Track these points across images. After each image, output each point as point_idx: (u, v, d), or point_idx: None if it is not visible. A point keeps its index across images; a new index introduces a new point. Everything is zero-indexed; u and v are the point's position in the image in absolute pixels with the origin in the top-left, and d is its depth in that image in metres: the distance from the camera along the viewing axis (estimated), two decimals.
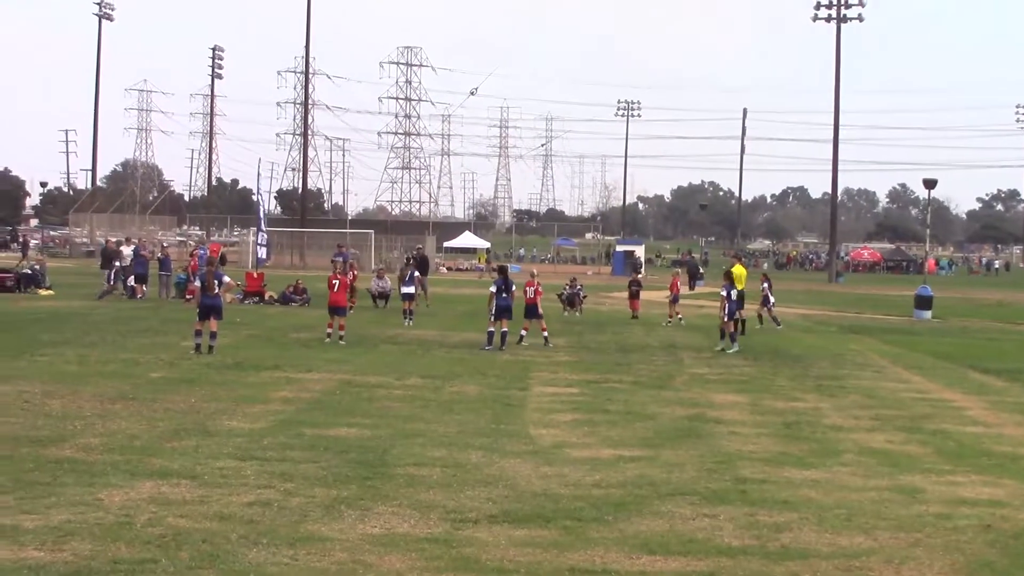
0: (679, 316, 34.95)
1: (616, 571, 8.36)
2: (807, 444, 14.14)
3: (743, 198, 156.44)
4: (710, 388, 19.61)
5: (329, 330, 25.43)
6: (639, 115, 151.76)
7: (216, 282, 22.41)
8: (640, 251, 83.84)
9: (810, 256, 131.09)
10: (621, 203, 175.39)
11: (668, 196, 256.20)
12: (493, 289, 25.36)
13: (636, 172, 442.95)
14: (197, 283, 23.25)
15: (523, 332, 26.50)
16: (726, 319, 27.10)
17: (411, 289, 32.37)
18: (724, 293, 27.39)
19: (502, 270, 27.16)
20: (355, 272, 37.97)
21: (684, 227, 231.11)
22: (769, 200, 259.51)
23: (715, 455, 13.14)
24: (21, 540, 8.70)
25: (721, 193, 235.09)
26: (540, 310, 26.67)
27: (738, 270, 32.18)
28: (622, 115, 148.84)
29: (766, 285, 34.36)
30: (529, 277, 27.92)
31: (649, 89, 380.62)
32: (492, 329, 25.23)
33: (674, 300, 35.67)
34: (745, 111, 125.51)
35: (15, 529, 9.01)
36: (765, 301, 34.11)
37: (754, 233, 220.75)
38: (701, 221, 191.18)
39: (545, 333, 26.45)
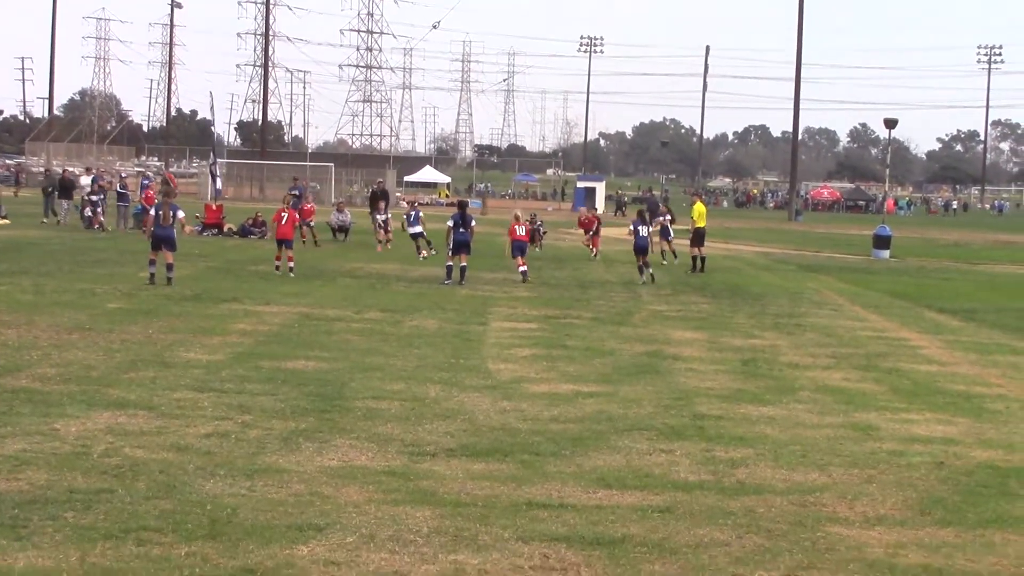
0: (595, 251, 35.73)
1: (573, 505, 8.39)
2: (764, 381, 14.23)
3: (704, 136, 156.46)
4: (668, 325, 19.67)
5: (278, 262, 25.47)
6: (602, 51, 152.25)
7: (171, 213, 22.22)
8: (601, 188, 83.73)
9: (770, 194, 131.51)
10: (583, 139, 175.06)
11: (629, 133, 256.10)
12: (450, 223, 25.31)
13: (598, 108, 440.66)
14: (153, 213, 23.09)
15: (524, 268, 26.44)
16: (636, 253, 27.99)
17: (418, 228, 31.94)
18: (632, 228, 28.61)
19: (461, 205, 27.09)
20: (311, 205, 37.76)
21: (645, 164, 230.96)
22: (730, 138, 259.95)
23: (673, 391, 13.20)
24: None
25: (683, 131, 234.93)
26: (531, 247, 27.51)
27: (699, 207, 32.66)
28: (585, 51, 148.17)
29: (667, 217, 34.60)
30: (514, 218, 27.93)
31: (612, 25, 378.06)
32: (450, 263, 25.20)
33: (595, 233, 36.57)
34: (708, 48, 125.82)
35: None
36: (665, 233, 34.01)
37: (715, 171, 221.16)
38: (662, 158, 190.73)
39: (524, 268, 26.49)
